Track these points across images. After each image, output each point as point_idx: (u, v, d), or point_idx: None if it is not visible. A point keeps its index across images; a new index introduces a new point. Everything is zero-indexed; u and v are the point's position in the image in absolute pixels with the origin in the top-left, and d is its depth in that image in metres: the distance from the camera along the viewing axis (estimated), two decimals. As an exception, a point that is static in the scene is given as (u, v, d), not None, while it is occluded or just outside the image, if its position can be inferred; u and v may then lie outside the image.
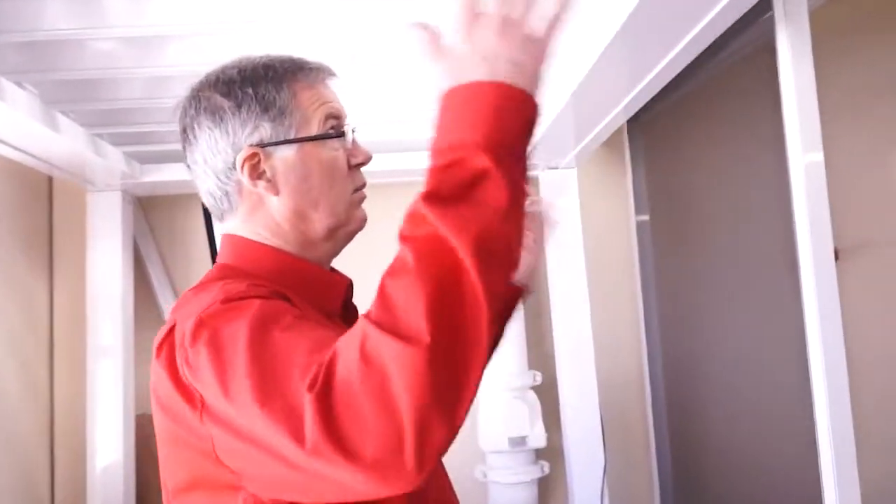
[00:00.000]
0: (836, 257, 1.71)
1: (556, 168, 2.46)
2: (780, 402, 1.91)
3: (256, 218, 0.91)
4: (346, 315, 0.96)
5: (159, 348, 0.79)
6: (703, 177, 2.34)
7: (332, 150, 0.92)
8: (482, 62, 0.63)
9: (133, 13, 1.46)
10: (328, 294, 0.94)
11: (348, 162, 0.93)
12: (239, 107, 0.90)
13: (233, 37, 1.62)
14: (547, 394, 2.46)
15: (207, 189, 0.93)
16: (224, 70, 0.93)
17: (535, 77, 0.65)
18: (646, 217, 2.65)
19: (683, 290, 2.50)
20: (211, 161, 0.91)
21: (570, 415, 2.40)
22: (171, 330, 0.78)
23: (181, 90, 0.96)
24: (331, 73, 0.97)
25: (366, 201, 0.96)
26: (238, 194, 0.91)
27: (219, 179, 0.91)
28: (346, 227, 0.94)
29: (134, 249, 2.50)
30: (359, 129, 0.97)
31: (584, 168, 2.56)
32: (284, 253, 0.91)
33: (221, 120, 0.90)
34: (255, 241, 0.91)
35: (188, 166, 0.95)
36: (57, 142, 1.88)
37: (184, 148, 0.95)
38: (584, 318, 2.40)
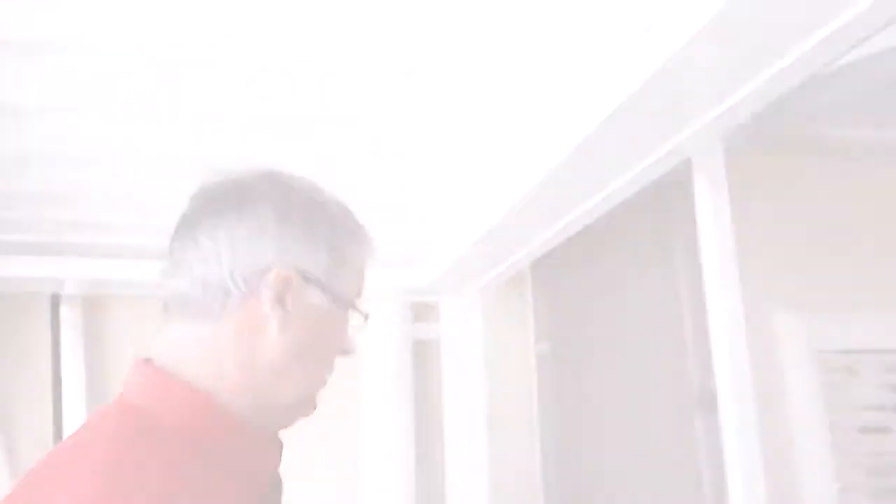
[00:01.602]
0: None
1: (461, 295, 2.33)
2: None
3: (240, 339, 0.74)
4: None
5: None
6: (604, 310, 2.30)
7: (344, 324, 0.80)
8: None
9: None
10: (257, 463, 0.78)
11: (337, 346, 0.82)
12: (311, 225, 0.77)
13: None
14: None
15: (204, 276, 0.74)
16: (307, 184, 0.82)
17: None
18: (547, 348, 2.57)
19: (583, 425, 2.38)
20: (240, 251, 0.73)
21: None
22: None
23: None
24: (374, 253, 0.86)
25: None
26: (240, 302, 0.73)
27: (232, 275, 0.73)
28: (301, 410, 0.81)
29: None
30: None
31: (486, 300, 2.45)
32: (222, 406, 0.73)
33: (285, 221, 0.76)
34: (188, 384, 0.72)
35: (180, 237, 0.77)
36: None
37: (202, 211, 0.77)
38: (480, 459, 2.20)
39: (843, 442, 1.92)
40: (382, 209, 1.92)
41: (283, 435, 0.81)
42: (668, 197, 1.98)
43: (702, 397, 1.73)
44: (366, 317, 0.81)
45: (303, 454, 2.24)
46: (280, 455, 0.81)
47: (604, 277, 2.31)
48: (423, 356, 2.45)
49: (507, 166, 1.54)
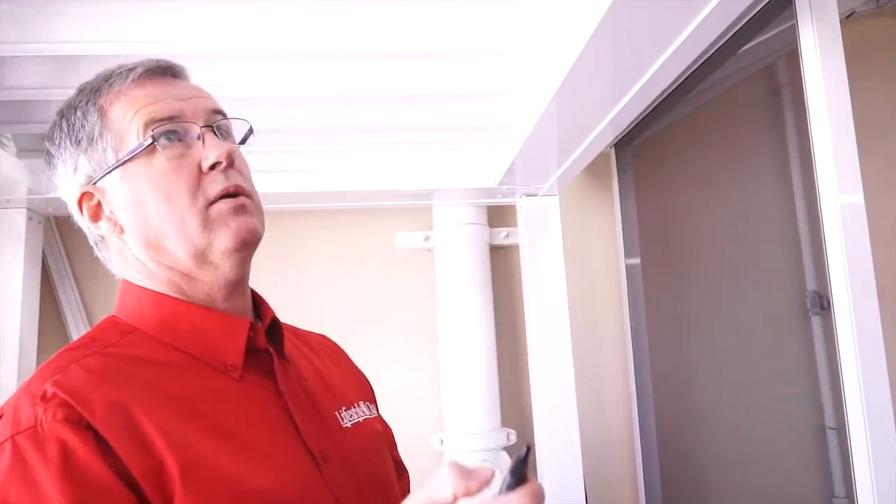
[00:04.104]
0: (824, 307, 1.52)
1: (536, 195, 2.17)
2: (791, 466, 1.67)
3: (125, 262, 0.82)
4: (277, 351, 0.84)
5: None
6: (703, 212, 2.10)
7: (167, 161, 0.77)
8: None
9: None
10: (222, 343, 0.79)
11: (199, 168, 0.77)
12: (58, 148, 0.81)
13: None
14: (522, 455, 2.14)
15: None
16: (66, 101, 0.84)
17: None
18: (636, 258, 2.37)
19: (679, 339, 2.22)
20: (71, 208, 0.83)
21: (550, 480, 2.08)
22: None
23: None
24: (166, 68, 0.80)
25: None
26: (101, 239, 0.83)
27: (85, 228, 0.84)
28: (215, 248, 0.77)
29: (46, 278, 2.14)
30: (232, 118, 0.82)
31: (567, 201, 2.28)
32: (164, 297, 0.80)
33: (53, 167, 0.82)
34: (137, 287, 0.82)
35: None
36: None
37: None
38: (566, 370, 2.09)
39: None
40: (451, 107, 1.76)
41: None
42: (777, 76, 1.75)
43: (814, 299, 1.57)
44: (199, 129, 0.78)
45: (386, 361, 2.22)
46: (249, 332, 0.81)
47: (702, 171, 2.10)
48: (501, 264, 2.34)
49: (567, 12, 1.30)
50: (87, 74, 1.38)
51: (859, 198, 1.23)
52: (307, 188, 2.03)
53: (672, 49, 1.25)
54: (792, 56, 1.33)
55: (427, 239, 2.29)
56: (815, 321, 1.58)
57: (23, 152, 1.85)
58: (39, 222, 2.08)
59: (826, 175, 1.24)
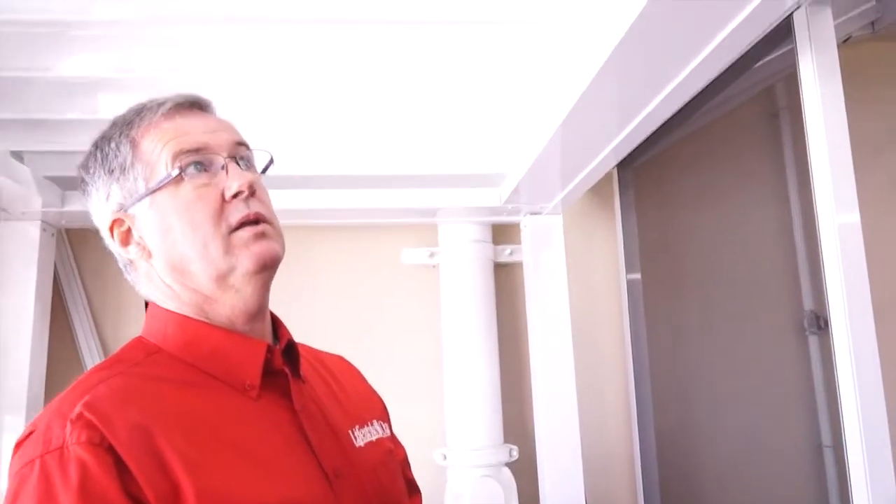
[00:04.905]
0: (821, 326, 1.54)
1: (540, 214, 2.20)
2: (788, 483, 1.68)
3: (152, 285, 0.87)
4: (293, 371, 0.88)
5: (17, 446, 0.75)
6: (702, 230, 2.13)
7: (193, 191, 0.82)
8: None
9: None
10: (241, 363, 0.83)
11: (223, 196, 0.82)
12: (92, 176, 0.86)
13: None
14: (524, 471, 2.15)
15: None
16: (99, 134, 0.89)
17: None
18: (637, 275, 2.40)
19: (678, 355, 2.25)
20: (102, 233, 0.88)
21: (551, 495, 2.09)
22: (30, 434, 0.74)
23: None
24: (194, 102, 0.86)
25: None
26: (130, 262, 0.88)
27: (115, 253, 0.88)
28: (237, 271, 0.82)
29: (56, 287, 2.18)
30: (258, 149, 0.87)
31: (570, 220, 2.32)
32: (187, 319, 0.85)
33: (87, 194, 0.88)
34: (163, 309, 0.87)
35: None
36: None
37: None
38: (568, 386, 2.11)
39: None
40: (455, 128, 1.80)
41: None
42: (776, 99, 1.79)
43: (811, 318, 1.59)
44: (223, 160, 0.83)
45: (389, 377, 2.24)
46: (266, 354, 0.85)
47: (702, 192, 2.14)
48: (504, 280, 2.37)
49: (575, 47, 1.34)
50: (102, 98, 1.44)
51: (856, 217, 1.25)
52: (313, 205, 2.07)
53: (675, 83, 1.31)
54: (790, 79, 1.36)
55: (432, 255, 2.32)
56: (813, 340, 1.61)
57: (38, 165, 1.89)
58: (52, 234, 2.12)
59: (823, 194, 1.27)
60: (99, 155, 0.85)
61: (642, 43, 1.15)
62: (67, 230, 2.23)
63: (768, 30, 1.18)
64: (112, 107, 1.52)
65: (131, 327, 2.24)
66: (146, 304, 2.39)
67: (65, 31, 1.34)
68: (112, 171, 0.84)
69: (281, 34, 1.40)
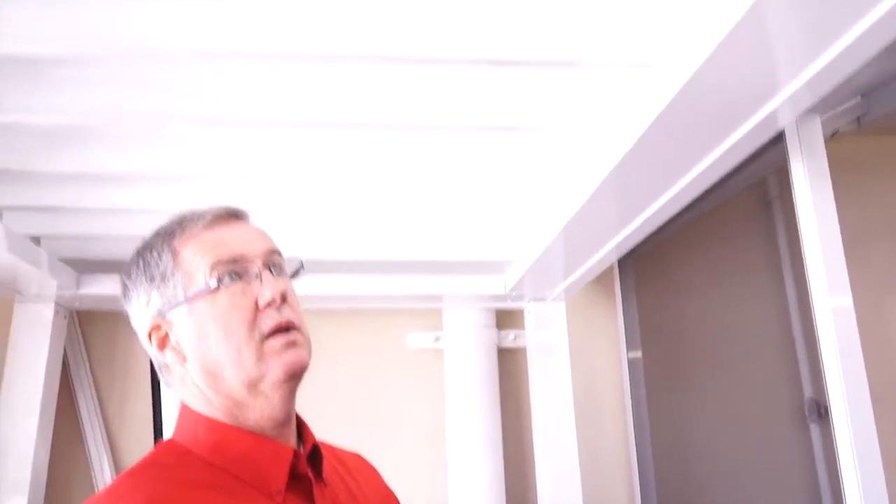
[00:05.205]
0: (821, 414, 1.55)
1: (544, 300, 2.25)
2: None
3: (185, 388, 0.90)
4: (316, 474, 0.90)
5: None
6: (702, 316, 2.16)
7: (229, 299, 0.86)
8: None
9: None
10: (268, 468, 0.86)
11: (256, 304, 0.86)
12: (134, 282, 0.90)
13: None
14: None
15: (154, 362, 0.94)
16: (142, 242, 0.94)
17: None
18: (638, 353, 2.43)
19: (681, 437, 2.24)
20: (141, 337, 0.91)
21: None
22: None
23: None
24: (232, 214, 0.91)
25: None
26: (165, 366, 0.91)
27: (152, 356, 0.92)
28: (267, 379, 0.85)
29: (64, 368, 2.19)
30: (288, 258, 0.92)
31: (572, 303, 2.36)
32: (218, 423, 0.87)
33: (128, 299, 0.92)
34: (194, 412, 0.89)
35: None
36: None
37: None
38: (571, 468, 2.11)
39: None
40: (462, 219, 1.88)
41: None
42: (768, 189, 1.86)
43: (812, 406, 1.60)
44: (257, 269, 0.87)
45: (392, 460, 2.23)
46: (293, 458, 0.87)
47: (695, 281, 2.19)
48: (508, 365, 2.39)
49: (584, 150, 1.43)
50: (120, 191, 1.49)
51: (848, 300, 1.30)
52: (322, 290, 2.12)
53: (673, 192, 1.42)
54: (781, 171, 1.43)
55: (437, 340, 2.35)
56: (814, 429, 1.61)
57: (54, 247, 1.95)
58: (65, 316, 2.16)
59: (817, 282, 1.33)
60: (141, 263, 0.90)
61: (644, 158, 1.26)
62: (78, 311, 2.27)
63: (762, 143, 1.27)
64: (127, 200, 1.62)
65: (135, 407, 2.26)
66: (155, 413, 2.39)
67: (88, 132, 1.43)
68: (153, 278, 0.88)
69: (295, 134, 1.48)
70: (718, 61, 0.99)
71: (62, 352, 2.16)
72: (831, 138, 1.93)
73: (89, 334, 2.31)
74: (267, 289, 0.86)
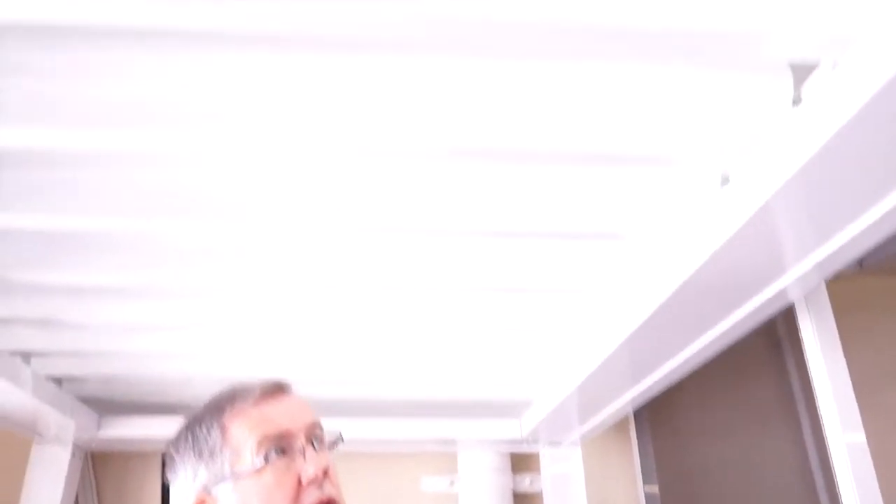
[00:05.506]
0: None
1: (560, 444, 2.24)
2: None
3: None
4: None
5: None
6: (718, 455, 2.14)
7: (273, 477, 0.88)
8: None
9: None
10: None
11: (299, 481, 0.88)
12: (182, 456, 0.92)
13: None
14: None
15: None
16: (193, 413, 0.96)
17: None
18: (654, 488, 2.37)
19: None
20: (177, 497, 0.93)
21: None
22: None
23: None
24: (279, 388, 0.95)
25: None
26: None
27: None
28: None
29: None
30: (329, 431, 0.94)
31: (588, 445, 2.34)
32: None
33: (174, 472, 0.93)
34: None
35: None
36: (12, 393, 1.68)
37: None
38: None
39: None
40: (478, 362, 1.91)
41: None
42: (776, 329, 1.90)
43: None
44: (301, 445, 0.89)
45: None
46: None
47: (715, 417, 2.18)
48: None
49: (603, 312, 1.52)
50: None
51: (861, 436, 1.33)
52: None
53: (686, 356, 1.52)
54: (787, 313, 1.50)
55: (452, 484, 2.32)
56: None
57: (74, 388, 1.98)
58: (80, 458, 2.15)
59: (830, 420, 1.36)
60: (190, 437, 0.92)
61: (657, 327, 1.35)
62: (93, 453, 2.26)
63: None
64: (136, 315, 1.64)
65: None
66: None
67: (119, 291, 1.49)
68: (202, 453, 0.90)
69: (316, 276, 1.50)
70: (732, 251, 1.10)
71: (75, 493, 2.13)
72: (834, 281, 2.00)
73: (101, 475, 2.29)
74: (310, 465, 0.88)
